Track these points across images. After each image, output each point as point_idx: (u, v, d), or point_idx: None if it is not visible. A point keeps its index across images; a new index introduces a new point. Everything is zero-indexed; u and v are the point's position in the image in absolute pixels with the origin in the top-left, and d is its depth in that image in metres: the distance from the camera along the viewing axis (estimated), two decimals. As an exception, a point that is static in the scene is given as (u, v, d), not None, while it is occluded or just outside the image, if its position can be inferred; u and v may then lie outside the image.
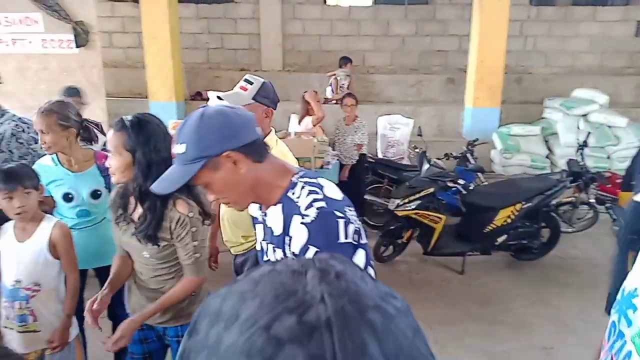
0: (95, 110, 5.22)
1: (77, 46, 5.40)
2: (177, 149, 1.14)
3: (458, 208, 4.12)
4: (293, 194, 1.18)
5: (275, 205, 1.21)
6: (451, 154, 4.68)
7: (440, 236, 3.95)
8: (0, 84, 2.78)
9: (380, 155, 5.63)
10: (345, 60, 7.26)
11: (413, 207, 3.87)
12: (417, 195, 3.90)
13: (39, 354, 2.00)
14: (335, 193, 1.19)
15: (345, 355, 0.31)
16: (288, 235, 1.18)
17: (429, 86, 8.27)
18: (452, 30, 8.83)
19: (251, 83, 2.10)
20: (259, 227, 1.32)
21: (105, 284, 1.84)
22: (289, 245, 1.17)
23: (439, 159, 4.58)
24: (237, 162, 1.14)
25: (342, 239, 1.10)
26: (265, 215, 1.26)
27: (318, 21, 8.94)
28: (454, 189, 4.10)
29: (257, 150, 1.17)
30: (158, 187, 1.19)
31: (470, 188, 4.19)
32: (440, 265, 4.14)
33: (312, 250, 1.11)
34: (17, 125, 2.70)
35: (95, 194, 2.32)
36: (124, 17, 8.69)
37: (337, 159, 4.65)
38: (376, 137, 5.74)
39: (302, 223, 1.13)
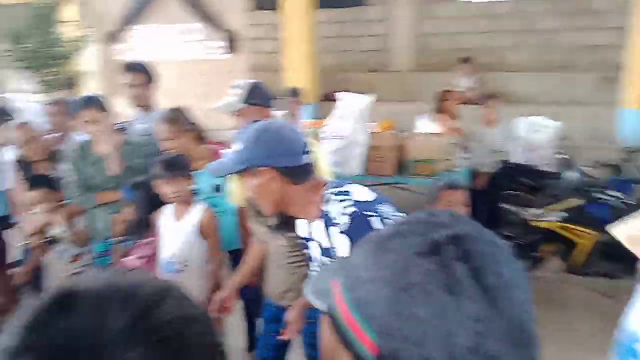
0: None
1: (229, 52, 5.99)
2: (236, 145, 1.34)
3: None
4: (327, 206, 1.29)
5: (316, 220, 1.33)
6: (604, 162, 4.17)
7: (587, 254, 3.55)
8: (157, 86, 3.17)
9: (519, 161, 5.23)
10: (465, 61, 6.95)
11: (556, 219, 3.53)
12: (561, 207, 3.55)
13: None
14: (365, 195, 1.28)
15: (482, 249, 0.49)
16: (333, 247, 1.28)
17: (578, 85, 7.45)
18: (607, 23, 7.82)
19: (240, 88, 2.13)
20: (311, 245, 1.42)
21: (236, 272, 2.03)
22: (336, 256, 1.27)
23: (588, 166, 4.12)
24: (273, 178, 1.29)
25: None
26: (311, 232, 1.38)
27: (454, 19, 8.62)
28: (606, 201, 3.65)
29: (298, 175, 1.31)
30: (213, 169, 1.48)
31: (630, 202, 3.69)
32: (585, 286, 3.71)
33: None
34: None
35: (218, 188, 2.52)
36: (267, 24, 9.35)
37: (471, 165, 4.43)
38: (515, 140, 5.35)
39: (340, 232, 1.23)
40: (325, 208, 1.29)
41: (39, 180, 2.73)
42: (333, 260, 1.29)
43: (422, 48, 8.80)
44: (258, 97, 2.17)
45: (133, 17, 6.41)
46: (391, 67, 8.78)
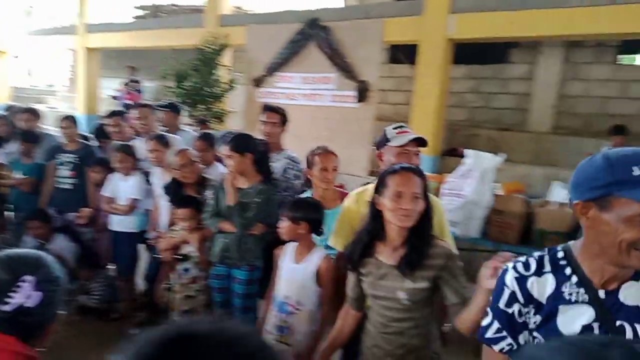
0: (361, 159, 5.85)
1: (358, 101, 6.22)
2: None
3: None
4: None
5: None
6: None
7: None
8: (285, 129, 3.38)
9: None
10: (617, 131, 5.76)
11: None
12: None
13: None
14: None
15: None
16: None
17: None
18: None
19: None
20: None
21: (328, 340, 1.96)
22: None
23: None
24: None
25: None
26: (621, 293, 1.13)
27: (605, 82, 7.92)
28: None
29: None
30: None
31: None
32: None
33: None
34: (288, 162, 3.19)
35: None
36: (400, 77, 9.56)
37: None
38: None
39: None
40: None
41: (188, 200, 3.04)
42: None
43: (564, 110, 8.19)
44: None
45: (279, 65, 7.06)
46: (526, 127, 8.29)
